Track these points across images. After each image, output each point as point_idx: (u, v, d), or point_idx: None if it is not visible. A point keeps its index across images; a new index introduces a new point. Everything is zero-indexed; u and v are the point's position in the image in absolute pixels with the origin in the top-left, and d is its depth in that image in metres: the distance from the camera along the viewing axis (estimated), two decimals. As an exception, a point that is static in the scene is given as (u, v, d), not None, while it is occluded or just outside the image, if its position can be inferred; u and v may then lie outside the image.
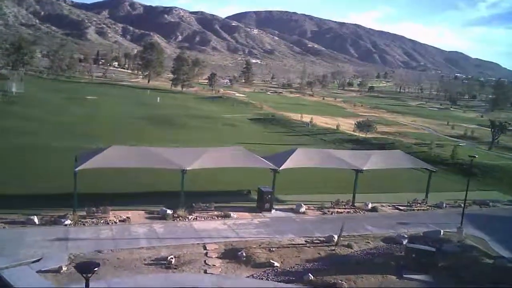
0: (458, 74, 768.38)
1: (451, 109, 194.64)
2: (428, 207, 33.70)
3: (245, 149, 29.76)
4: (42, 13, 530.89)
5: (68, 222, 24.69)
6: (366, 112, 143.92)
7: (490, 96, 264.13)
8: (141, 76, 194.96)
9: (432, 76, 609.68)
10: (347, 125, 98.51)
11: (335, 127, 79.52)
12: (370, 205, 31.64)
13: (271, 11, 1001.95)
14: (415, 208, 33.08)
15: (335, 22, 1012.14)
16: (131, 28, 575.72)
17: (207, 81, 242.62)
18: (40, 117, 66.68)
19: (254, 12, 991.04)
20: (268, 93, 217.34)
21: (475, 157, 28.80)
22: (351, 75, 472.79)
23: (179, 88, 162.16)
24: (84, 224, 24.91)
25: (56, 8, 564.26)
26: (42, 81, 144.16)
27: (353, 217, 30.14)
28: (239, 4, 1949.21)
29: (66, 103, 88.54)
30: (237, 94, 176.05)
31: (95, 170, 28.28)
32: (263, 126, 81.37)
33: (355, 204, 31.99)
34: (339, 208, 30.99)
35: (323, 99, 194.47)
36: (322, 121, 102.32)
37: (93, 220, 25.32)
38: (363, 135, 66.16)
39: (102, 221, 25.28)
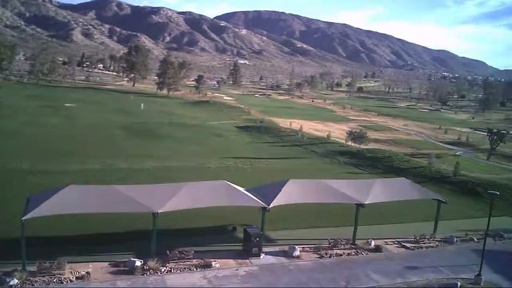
0: (445, 73, 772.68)
1: (442, 110, 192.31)
2: (437, 243, 29.53)
3: (229, 184, 25.44)
4: (28, 14, 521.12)
5: (14, 282, 20.29)
6: (356, 115, 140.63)
7: (480, 96, 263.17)
8: (126, 79, 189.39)
9: (420, 76, 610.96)
10: (338, 131, 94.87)
11: (326, 136, 75.57)
12: (373, 244, 27.42)
13: (259, 11, 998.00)
14: (423, 244, 28.99)
15: (323, 21, 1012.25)
16: (118, 29, 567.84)
17: (194, 83, 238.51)
18: (10, 130, 61.86)
19: (242, 12, 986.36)
20: (257, 95, 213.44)
21: (497, 193, 24.64)
22: (339, 75, 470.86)
23: (165, 91, 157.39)
24: (33, 285, 20.52)
25: (42, 9, 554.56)
26: (22, 86, 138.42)
27: (355, 260, 25.83)
28: (228, 4, 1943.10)
29: (42, 112, 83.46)
30: (225, 98, 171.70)
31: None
32: (251, 136, 77.23)
33: (356, 243, 27.72)
34: (338, 249, 26.78)
35: (312, 101, 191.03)
36: (312, 127, 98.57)
37: (44, 278, 20.84)
38: (356, 147, 62.23)
39: (55, 280, 20.83)
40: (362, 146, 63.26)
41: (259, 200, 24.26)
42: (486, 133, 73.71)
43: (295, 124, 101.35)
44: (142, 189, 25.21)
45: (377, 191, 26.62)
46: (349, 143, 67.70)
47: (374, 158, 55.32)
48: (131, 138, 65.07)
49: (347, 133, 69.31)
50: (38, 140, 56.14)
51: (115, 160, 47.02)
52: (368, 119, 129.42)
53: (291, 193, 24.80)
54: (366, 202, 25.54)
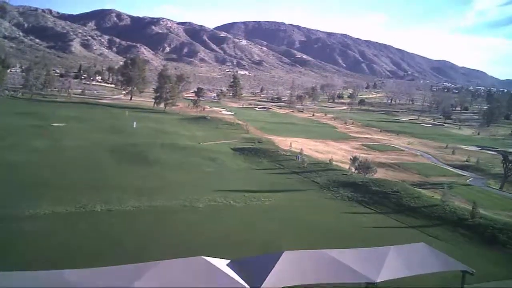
0: (446, 83, 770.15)
1: (445, 125, 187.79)
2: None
3: (208, 261, 20.47)
4: (26, 25, 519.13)
5: None
6: (358, 131, 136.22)
7: (484, 108, 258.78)
8: (123, 92, 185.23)
9: (421, 86, 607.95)
10: (340, 152, 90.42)
11: (327, 161, 70.83)
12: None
13: (259, 21, 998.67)
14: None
15: (323, 32, 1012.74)
16: (117, 40, 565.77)
17: (193, 95, 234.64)
18: (-13, 155, 57.41)
19: (242, 22, 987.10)
20: (257, 108, 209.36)
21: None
22: (340, 87, 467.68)
23: (162, 106, 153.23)
24: None
25: (41, 20, 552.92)
26: (14, 102, 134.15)
27: None
28: (228, 15, 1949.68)
29: (28, 132, 78.92)
30: (224, 112, 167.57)
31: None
32: (248, 160, 72.48)
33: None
34: None
35: (313, 115, 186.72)
36: (313, 147, 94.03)
37: None
38: (361, 174, 57.39)
39: None
40: (369, 174, 58.36)
41: (244, 284, 19.48)
42: (501, 160, 68.77)
43: (295, 144, 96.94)
44: (95, 274, 19.78)
45: (392, 263, 21.88)
46: (353, 169, 62.95)
47: (381, 193, 50.27)
48: (118, 164, 60.36)
49: (350, 159, 64.55)
50: (14, 169, 51.50)
51: (92, 197, 42.26)
52: (370, 136, 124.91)
53: (286, 271, 20.04)
54: (378, 280, 20.84)
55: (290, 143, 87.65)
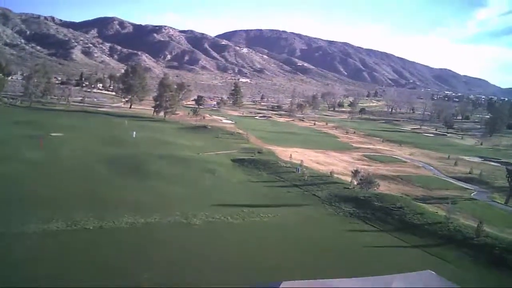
0: (447, 92, 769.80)
1: (448, 135, 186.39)
2: None
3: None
4: (28, 32, 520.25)
5: None
6: (360, 141, 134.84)
7: (486, 117, 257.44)
8: (124, 100, 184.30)
9: (422, 95, 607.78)
10: (341, 164, 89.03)
11: (328, 173, 69.44)
12: None
13: (261, 29, 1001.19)
14: None
15: (324, 40, 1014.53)
16: (119, 47, 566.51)
17: (194, 103, 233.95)
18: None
19: (244, 30, 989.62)
20: (257, 117, 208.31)
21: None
22: (341, 95, 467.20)
23: (162, 115, 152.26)
24: None
25: (43, 27, 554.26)
26: (12, 111, 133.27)
27: None
28: (230, 23, 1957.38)
29: (25, 143, 77.74)
30: (224, 121, 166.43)
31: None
32: (247, 172, 71.10)
33: None
34: None
35: (314, 124, 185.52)
36: (313, 159, 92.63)
37: None
38: (363, 191, 55.86)
39: None
40: (371, 187, 56.88)
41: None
42: (506, 175, 67.27)
43: (296, 155, 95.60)
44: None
45: (396, 294, 20.57)
46: (355, 182, 61.56)
47: (384, 209, 48.77)
48: (115, 177, 59.01)
49: (352, 172, 63.16)
50: (4, 182, 50.20)
51: (85, 212, 40.94)
52: (373, 146, 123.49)
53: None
54: (384, 314, 19.55)
55: (291, 155, 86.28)
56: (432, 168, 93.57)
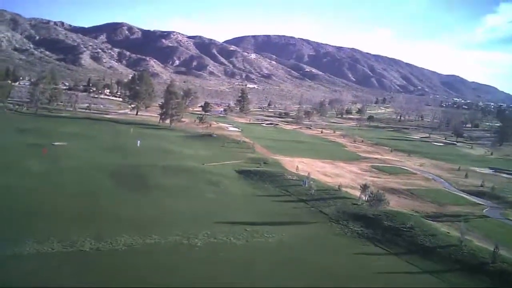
0: (456, 99, 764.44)
1: (457, 144, 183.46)
2: None
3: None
4: (37, 37, 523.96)
5: None
6: (368, 151, 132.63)
7: (496, 125, 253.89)
8: (130, 107, 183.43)
9: (430, 101, 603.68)
10: (349, 176, 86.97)
11: (336, 187, 67.45)
12: None
13: (269, 35, 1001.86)
14: None
15: (332, 46, 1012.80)
16: (127, 53, 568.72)
17: (200, 109, 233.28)
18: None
19: (252, 36, 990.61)
20: (264, 124, 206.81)
21: None
22: (349, 101, 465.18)
23: (167, 122, 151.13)
24: None
25: (52, 33, 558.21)
26: (17, 118, 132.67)
27: None
28: (238, 28, 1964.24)
29: (27, 152, 76.65)
30: (230, 129, 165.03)
31: None
32: (252, 184, 69.30)
33: None
34: None
35: (322, 132, 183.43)
36: (321, 170, 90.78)
37: None
38: (373, 208, 53.67)
39: None
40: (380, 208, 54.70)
41: None
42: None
43: (303, 165, 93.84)
44: None
45: None
46: (363, 197, 59.56)
47: (394, 229, 46.65)
48: (116, 190, 57.53)
49: (360, 187, 61.13)
50: (4, 196, 48.84)
51: (83, 231, 39.40)
52: (381, 156, 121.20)
53: None
54: None
55: (297, 167, 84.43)
56: (442, 180, 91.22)
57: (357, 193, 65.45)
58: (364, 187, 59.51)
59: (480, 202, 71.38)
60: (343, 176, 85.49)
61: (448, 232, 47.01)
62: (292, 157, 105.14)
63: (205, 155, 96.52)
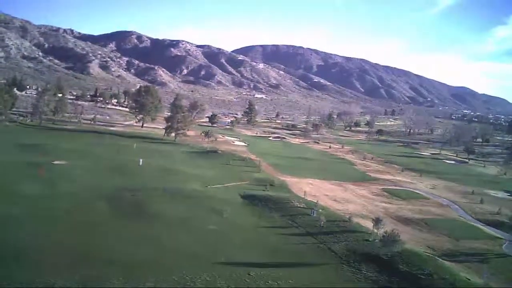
0: (466, 111, 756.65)
1: (469, 161, 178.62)
2: None
3: None
4: (46, 45, 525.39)
5: None
6: (379, 170, 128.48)
7: (507, 140, 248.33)
8: (136, 119, 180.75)
9: (440, 113, 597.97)
10: (359, 201, 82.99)
11: (346, 218, 63.57)
12: None
13: (277, 45, 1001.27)
14: None
15: (341, 56, 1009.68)
16: (136, 61, 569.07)
17: (207, 120, 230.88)
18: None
19: (260, 46, 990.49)
20: (271, 138, 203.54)
21: None
22: (357, 113, 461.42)
23: (172, 135, 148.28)
24: None
25: (61, 41, 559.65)
26: (20, 131, 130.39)
27: None
28: (247, 38, 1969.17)
29: (24, 173, 73.64)
30: (236, 143, 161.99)
31: None
32: (258, 214, 65.56)
33: None
34: None
35: (330, 147, 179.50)
36: (329, 193, 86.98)
37: None
38: (387, 250, 49.57)
39: None
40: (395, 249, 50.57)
41: None
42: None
43: (310, 187, 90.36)
44: None
45: None
46: (375, 231, 55.68)
47: (411, 275, 42.70)
48: (113, 221, 54.09)
49: (373, 220, 57.19)
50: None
51: (71, 274, 36.17)
52: (392, 177, 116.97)
53: None
54: None
55: (305, 192, 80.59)
56: (457, 207, 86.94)
57: (369, 223, 61.61)
58: (377, 221, 55.62)
59: (498, 235, 67.11)
60: (353, 201, 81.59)
61: (469, 279, 43.03)
62: (300, 177, 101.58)
63: (209, 175, 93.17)
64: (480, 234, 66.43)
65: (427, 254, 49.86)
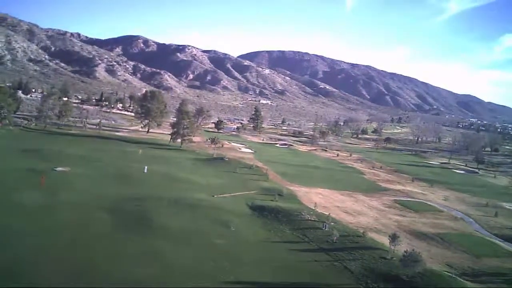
0: (472, 119, 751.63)
1: (479, 172, 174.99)
2: None
3: None
4: (53, 48, 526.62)
5: None
6: (389, 180, 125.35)
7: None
8: (142, 124, 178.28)
9: (447, 121, 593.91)
10: (371, 213, 79.89)
11: (361, 233, 60.55)
12: None
13: (283, 51, 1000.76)
14: None
15: (347, 63, 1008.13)
16: (142, 66, 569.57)
17: (213, 126, 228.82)
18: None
19: (266, 51, 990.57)
20: (278, 145, 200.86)
21: None
22: (364, 120, 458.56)
23: (178, 141, 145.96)
24: None
25: (68, 44, 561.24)
26: (23, 135, 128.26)
27: None
28: (253, 43, 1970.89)
29: (24, 180, 71.20)
30: (243, 150, 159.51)
31: None
32: (267, 226, 62.68)
33: None
34: None
35: (337, 155, 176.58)
36: (340, 204, 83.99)
37: None
38: (406, 270, 46.47)
39: None
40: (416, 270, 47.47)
41: None
42: None
43: (320, 198, 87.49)
44: None
45: None
46: (392, 248, 52.70)
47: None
48: (114, 235, 51.24)
49: (389, 237, 54.08)
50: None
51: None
52: (402, 187, 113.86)
53: None
54: None
55: (315, 203, 77.59)
56: (471, 220, 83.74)
57: (383, 239, 58.81)
58: (394, 237, 52.59)
59: (518, 251, 63.98)
60: (365, 214, 78.55)
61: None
62: (309, 187, 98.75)
63: (215, 184, 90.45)
64: (499, 251, 63.21)
65: (449, 274, 46.84)
